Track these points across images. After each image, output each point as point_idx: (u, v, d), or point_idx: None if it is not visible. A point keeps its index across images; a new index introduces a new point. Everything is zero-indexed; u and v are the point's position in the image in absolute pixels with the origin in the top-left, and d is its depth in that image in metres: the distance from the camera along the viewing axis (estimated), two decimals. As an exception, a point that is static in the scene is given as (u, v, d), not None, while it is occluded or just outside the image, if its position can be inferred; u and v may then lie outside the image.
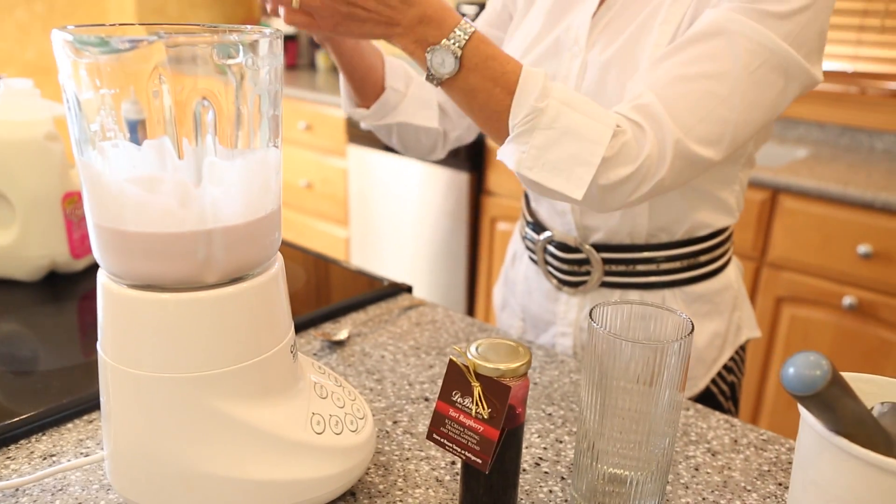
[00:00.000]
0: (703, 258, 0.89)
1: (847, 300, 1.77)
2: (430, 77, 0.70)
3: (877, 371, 1.77)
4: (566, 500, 0.63)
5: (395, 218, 2.68)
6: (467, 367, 0.54)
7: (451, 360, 0.55)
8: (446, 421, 0.56)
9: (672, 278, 0.89)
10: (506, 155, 0.72)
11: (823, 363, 0.45)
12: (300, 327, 0.92)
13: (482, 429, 0.54)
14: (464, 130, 1.02)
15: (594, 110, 0.70)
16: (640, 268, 0.88)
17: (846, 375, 0.53)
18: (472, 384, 0.54)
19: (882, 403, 0.54)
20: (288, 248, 1.19)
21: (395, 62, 0.92)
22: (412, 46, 0.69)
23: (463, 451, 0.55)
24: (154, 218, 0.51)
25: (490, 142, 2.33)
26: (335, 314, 0.96)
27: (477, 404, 0.54)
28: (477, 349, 0.55)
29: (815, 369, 0.45)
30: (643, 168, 0.70)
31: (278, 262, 0.59)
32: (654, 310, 0.60)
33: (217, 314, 0.53)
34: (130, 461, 0.55)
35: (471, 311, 2.57)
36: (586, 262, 0.91)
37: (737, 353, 0.97)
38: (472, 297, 2.55)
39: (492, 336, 0.71)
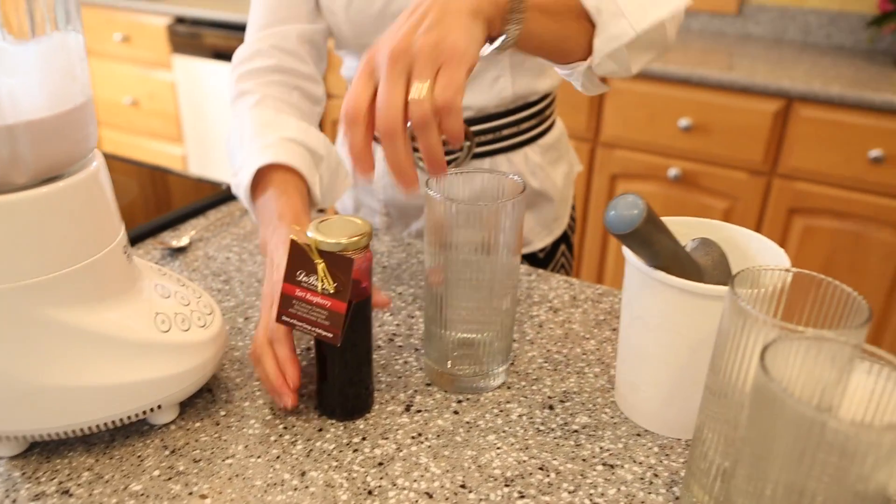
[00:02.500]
0: (547, 112, 0.99)
1: (672, 171, 1.90)
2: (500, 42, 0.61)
3: (700, 234, 1.94)
4: (420, 369, 0.66)
5: (234, 129, 2.56)
6: (309, 246, 0.54)
7: (292, 241, 0.55)
8: (294, 302, 0.56)
9: (530, 135, 0.97)
10: (611, 39, 0.67)
11: (640, 203, 0.49)
12: (137, 239, 0.88)
13: (329, 304, 0.55)
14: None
15: None
16: (506, 132, 0.95)
17: (662, 219, 0.57)
18: (315, 262, 0.54)
19: (693, 239, 0.59)
20: (117, 162, 1.12)
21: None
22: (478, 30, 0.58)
23: (314, 329, 0.56)
24: (-60, 116, 0.46)
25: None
26: (174, 222, 0.93)
27: (322, 280, 0.54)
28: (317, 227, 0.55)
29: (633, 209, 0.49)
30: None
31: (98, 160, 0.55)
32: (487, 174, 0.62)
33: (33, 217, 0.49)
34: (-43, 384, 0.52)
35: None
36: None
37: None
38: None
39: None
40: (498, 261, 0.59)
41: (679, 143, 1.88)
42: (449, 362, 0.63)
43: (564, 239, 1.08)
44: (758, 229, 1.87)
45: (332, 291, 0.54)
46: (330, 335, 0.55)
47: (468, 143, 0.92)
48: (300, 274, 0.55)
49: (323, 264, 0.54)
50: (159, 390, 0.56)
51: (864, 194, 1.73)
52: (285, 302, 0.56)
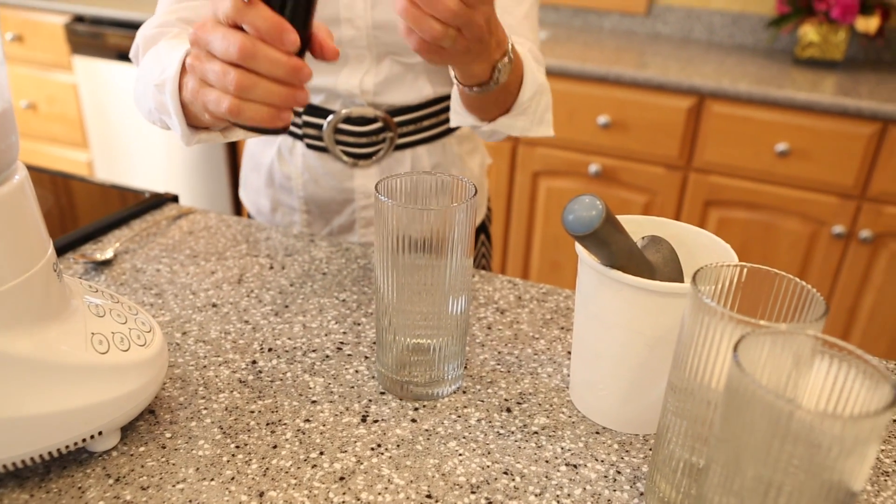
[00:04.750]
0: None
1: (593, 167, 1.94)
2: (478, 87, 0.73)
3: (620, 228, 1.99)
4: (373, 377, 0.65)
5: (143, 130, 2.46)
6: None
7: None
8: None
9: (448, 126, 0.99)
10: (510, 126, 0.81)
11: (598, 204, 0.49)
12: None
13: None
14: None
15: (533, 63, 0.81)
16: (426, 123, 0.96)
17: (613, 216, 0.58)
18: None
19: (643, 237, 0.60)
20: (23, 170, 1.05)
21: None
22: (484, 67, 0.70)
23: None
24: None
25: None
26: (94, 234, 0.87)
27: None
28: None
29: (592, 210, 0.49)
30: None
31: (21, 172, 0.51)
32: (440, 176, 0.61)
33: (-47, 236, 0.45)
34: None
35: (239, 214, 2.47)
36: (383, 129, 0.94)
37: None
38: (238, 201, 2.45)
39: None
40: (450, 264, 0.58)
41: (598, 139, 1.92)
42: (404, 369, 0.62)
43: (483, 228, 1.12)
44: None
45: None
46: None
47: (390, 135, 0.93)
48: None
49: None
50: (99, 416, 0.52)
51: (772, 186, 1.81)
52: None
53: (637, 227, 0.62)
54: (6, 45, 2.57)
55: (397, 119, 0.94)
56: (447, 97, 0.97)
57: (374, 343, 0.70)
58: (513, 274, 2.15)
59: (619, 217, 0.60)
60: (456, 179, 0.61)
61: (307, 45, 0.56)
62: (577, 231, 0.49)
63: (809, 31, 1.99)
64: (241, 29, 0.53)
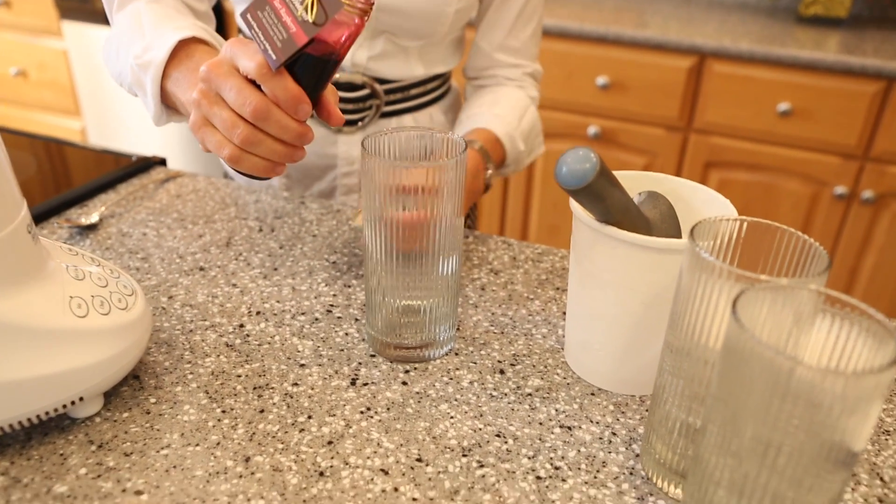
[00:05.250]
0: (450, 74, 1.03)
1: (591, 129, 1.91)
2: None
3: (620, 192, 1.96)
4: (363, 339, 0.63)
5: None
6: None
7: None
8: (267, 7, 0.53)
9: (435, 95, 0.98)
10: (498, 175, 0.90)
11: (592, 156, 0.47)
12: (39, 218, 0.80)
13: (294, 30, 0.52)
14: None
15: (522, 113, 0.92)
16: (413, 91, 0.95)
17: (609, 171, 0.56)
18: None
19: (640, 193, 0.58)
20: (10, 136, 1.02)
21: None
22: (474, 198, 0.80)
23: (265, 42, 0.53)
24: None
25: (230, 6, 2.15)
26: (80, 198, 0.85)
27: (305, 7, 0.51)
28: None
29: (585, 162, 0.47)
30: None
31: (-10, 129, 0.49)
32: (428, 133, 0.59)
33: (-82, 195, 0.43)
34: None
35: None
36: (370, 96, 0.92)
37: None
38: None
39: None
40: (442, 223, 0.56)
41: (597, 101, 1.89)
42: (394, 331, 0.60)
43: None
44: (675, 185, 1.91)
45: (308, 20, 0.51)
46: (273, 57, 0.52)
47: (377, 102, 0.90)
48: None
49: None
50: (80, 381, 0.50)
51: (774, 146, 1.79)
52: (260, 3, 0.53)
53: (634, 182, 0.60)
54: (-6, 11, 2.52)
55: (385, 87, 0.92)
56: (440, 75, 0.98)
57: (365, 305, 0.68)
58: (512, 231, 2.13)
59: (615, 173, 0.58)
60: (445, 136, 0.59)
61: (316, 106, 0.58)
62: (570, 185, 0.47)
63: (813, -12, 1.95)
64: (257, 84, 0.54)
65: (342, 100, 0.92)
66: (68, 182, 0.92)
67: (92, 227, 0.80)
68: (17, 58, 2.60)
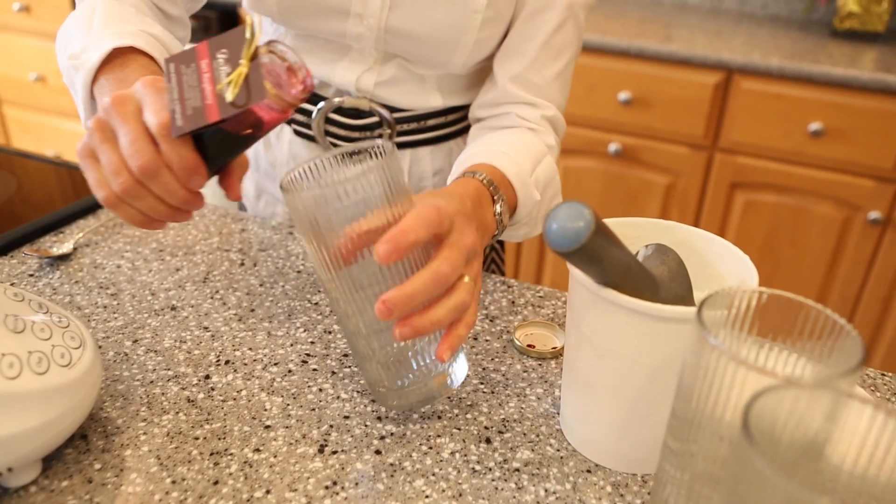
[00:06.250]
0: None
1: (612, 146, 1.84)
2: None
3: (641, 209, 1.89)
4: (339, 396, 0.57)
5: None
6: (253, 36, 0.46)
7: (244, 21, 0.48)
8: (192, 65, 0.48)
9: (456, 128, 0.87)
10: (510, 237, 0.76)
11: (586, 212, 0.41)
12: (10, 245, 0.75)
13: (209, 102, 0.47)
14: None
15: (537, 160, 0.74)
16: (431, 122, 0.85)
17: (609, 222, 0.49)
18: (241, 62, 0.46)
19: (647, 246, 0.51)
20: (-7, 152, 0.98)
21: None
22: (486, 234, 0.65)
23: (176, 102, 0.48)
24: None
25: (244, 12, 2.11)
26: (57, 224, 0.81)
27: (230, 84, 0.46)
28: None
29: (578, 220, 0.41)
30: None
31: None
32: (348, 151, 0.52)
33: None
34: None
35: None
36: (378, 125, 0.83)
37: None
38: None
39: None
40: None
41: (619, 116, 1.82)
42: (393, 374, 0.53)
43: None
44: (700, 204, 1.83)
45: (227, 97, 0.46)
46: (178, 123, 0.47)
47: (388, 132, 0.83)
48: (222, 53, 0.47)
49: (246, 70, 0.46)
50: (6, 451, 0.45)
51: (804, 168, 1.70)
52: (187, 57, 0.48)
53: (640, 231, 0.53)
54: (13, 16, 2.51)
55: (398, 115, 0.83)
56: (460, 107, 0.86)
57: (345, 355, 0.62)
58: (525, 270, 2.06)
59: (616, 220, 0.51)
60: (369, 148, 0.51)
61: (219, 174, 0.53)
62: (560, 246, 0.41)
63: (849, 1, 1.86)
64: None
65: (346, 126, 0.84)
66: (50, 204, 0.87)
67: (64, 258, 0.75)
68: (36, 63, 2.59)
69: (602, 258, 0.42)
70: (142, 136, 0.49)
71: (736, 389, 0.35)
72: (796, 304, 0.39)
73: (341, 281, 0.49)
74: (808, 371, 0.40)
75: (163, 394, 0.57)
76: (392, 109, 0.82)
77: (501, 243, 1.02)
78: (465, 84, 0.84)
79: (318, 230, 0.48)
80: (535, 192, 0.71)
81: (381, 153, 0.50)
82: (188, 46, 0.54)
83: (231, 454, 0.51)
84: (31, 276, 0.71)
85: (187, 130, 0.47)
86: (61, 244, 0.77)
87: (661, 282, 0.49)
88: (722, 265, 0.52)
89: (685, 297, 0.50)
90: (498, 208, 0.65)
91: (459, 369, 0.55)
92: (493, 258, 0.99)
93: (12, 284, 0.69)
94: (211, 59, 0.48)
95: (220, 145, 0.50)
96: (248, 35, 0.47)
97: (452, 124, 0.87)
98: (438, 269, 0.47)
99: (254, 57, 0.47)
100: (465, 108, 0.86)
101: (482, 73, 0.84)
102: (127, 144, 0.49)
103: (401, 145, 0.85)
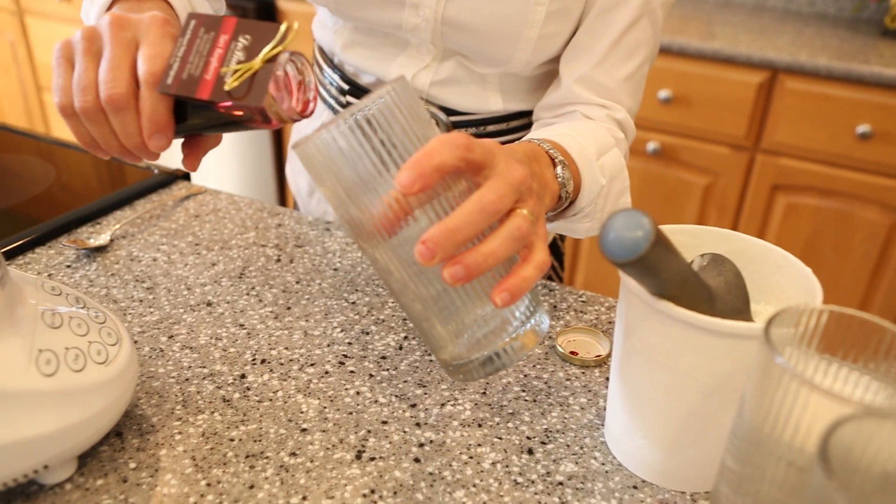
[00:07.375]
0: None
1: (651, 145, 1.80)
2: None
3: (678, 209, 1.85)
4: (376, 401, 0.56)
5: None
6: (280, 42, 0.46)
7: (290, 24, 0.47)
8: (211, 34, 0.48)
9: (519, 135, 0.83)
10: (571, 230, 0.69)
11: (645, 221, 0.39)
12: (47, 237, 0.75)
13: (208, 79, 0.46)
14: None
15: (603, 148, 0.67)
16: (491, 128, 0.81)
17: (663, 229, 0.47)
18: (258, 58, 0.46)
19: (702, 256, 0.49)
20: (30, 140, 0.98)
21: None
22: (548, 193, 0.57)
23: (178, 59, 0.48)
24: None
25: (284, 4, 2.11)
26: (94, 215, 0.80)
27: (235, 72, 0.45)
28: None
29: (637, 229, 0.39)
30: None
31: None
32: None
33: None
34: None
35: (283, 201, 2.40)
36: (435, 126, 0.80)
37: None
38: (283, 186, 2.39)
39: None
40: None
41: (658, 115, 1.78)
42: (463, 342, 0.45)
43: (551, 246, 0.95)
44: (740, 206, 1.79)
45: (226, 82, 0.45)
46: (169, 81, 0.47)
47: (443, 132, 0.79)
48: (244, 38, 0.46)
49: (258, 68, 0.45)
50: (43, 449, 0.44)
51: (850, 171, 1.65)
52: (210, 23, 0.48)
53: (694, 239, 0.51)
54: (54, 5, 2.53)
55: (455, 119, 0.79)
56: (522, 114, 0.81)
57: (383, 357, 0.61)
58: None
59: (670, 227, 0.49)
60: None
61: (185, 142, 0.54)
62: (618, 256, 0.39)
63: (901, 0, 1.80)
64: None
65: None
66: (88, 194, 0.87)
67: (101, 249, 0.74)
68: (74, 51, 2.61)
69: (660, 270, 0.40)
70: (124, 67, 0.47)
71: (808, 413, 0.33)
72: (869, 324, 0.37)
73: (383, 244, 0.43)
74: (881, 395, 0.37)
75: (198, 392, 0.56)
76: (449, 112, 0.80)
77: (560, 254, 0.98)
78: (529, 87, 0.80)
79: (341, 176, 0.41)
80: (601, 176, 0.65)
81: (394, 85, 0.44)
82: (218, 14, 0.54)
83: (267, 457, 0.50)
84: (69, 267, 0.71)
85: (172, 93, 0.47)
86: (98, 235, 0.76)
87: (717, 294, 0.46)
88: (780, 277, 0.49)
89: (742, 311, 0.48)
90: (559, 171, 0.58)
91: (538, 326, 0.47)
92: (553, 264, 0.94)
93: (49, 276, 0.68)
94: (231, 39, 0.47)
95: (199, 119, 0.49)
96: (278, 36, 0.46)
97: (514, 131, 0.83)
98: (482, 198, 0.40)
99: (272, 59, 0.45)
100: (527, 115, 0.82)
101: (548, 77, 0.80)
102: (106, 70, 0.48)
103: None
